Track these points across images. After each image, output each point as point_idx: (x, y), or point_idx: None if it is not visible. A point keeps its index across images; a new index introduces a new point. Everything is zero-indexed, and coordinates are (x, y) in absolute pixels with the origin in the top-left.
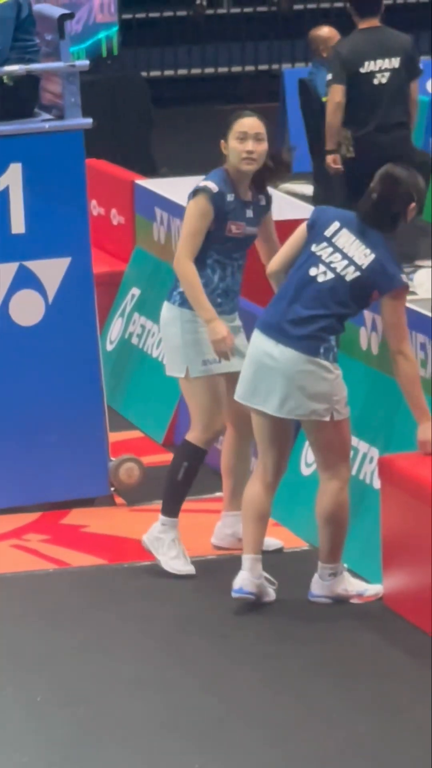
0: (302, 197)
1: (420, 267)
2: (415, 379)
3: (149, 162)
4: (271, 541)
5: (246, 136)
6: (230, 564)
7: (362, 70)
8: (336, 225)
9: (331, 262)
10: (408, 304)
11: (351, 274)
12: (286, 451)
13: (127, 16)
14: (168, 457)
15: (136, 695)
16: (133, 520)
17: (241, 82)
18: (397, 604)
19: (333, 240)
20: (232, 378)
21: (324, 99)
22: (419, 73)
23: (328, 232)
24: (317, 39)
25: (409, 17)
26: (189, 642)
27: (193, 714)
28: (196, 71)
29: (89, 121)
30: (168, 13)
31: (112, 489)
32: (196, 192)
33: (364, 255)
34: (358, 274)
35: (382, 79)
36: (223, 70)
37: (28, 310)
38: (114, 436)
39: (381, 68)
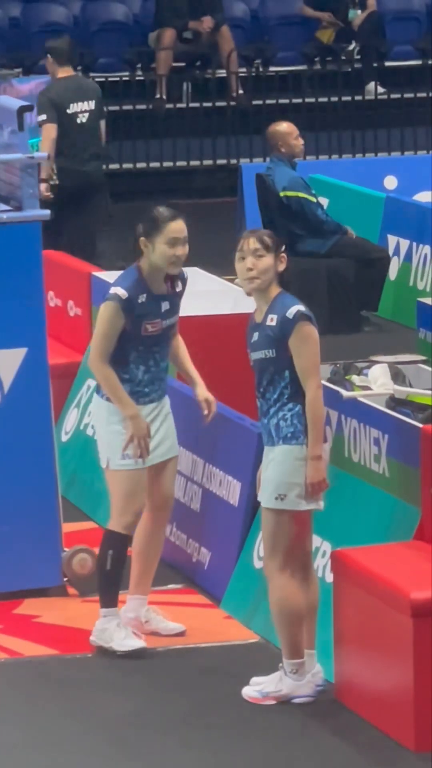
0: None
1: (375, 362)
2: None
3: (106, 254)
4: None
5: (177, 242)
6: (189, 655)
7: (69, 111)
8: None
9: None
10: (362, 399)
11: None
12: None
13: None
14: None
15: None
16: (86, 611)
17: (199, 177)
18: (348, 699)
19: None
20: (157, 466)
21: (281, 194)
22: (105, 115)
23: None
24: (276, 134)
25: (408, 113)
26: (137, 735)
27: None
28: (154, 165)
29: (47, 212)
30: (127, 107)
31: (65, 579)
32: (107, 297)
33: None
34: None
35: (83, 118)
36: (181, 164)
37: None
38: (67, 527)
39: (82, 109)
